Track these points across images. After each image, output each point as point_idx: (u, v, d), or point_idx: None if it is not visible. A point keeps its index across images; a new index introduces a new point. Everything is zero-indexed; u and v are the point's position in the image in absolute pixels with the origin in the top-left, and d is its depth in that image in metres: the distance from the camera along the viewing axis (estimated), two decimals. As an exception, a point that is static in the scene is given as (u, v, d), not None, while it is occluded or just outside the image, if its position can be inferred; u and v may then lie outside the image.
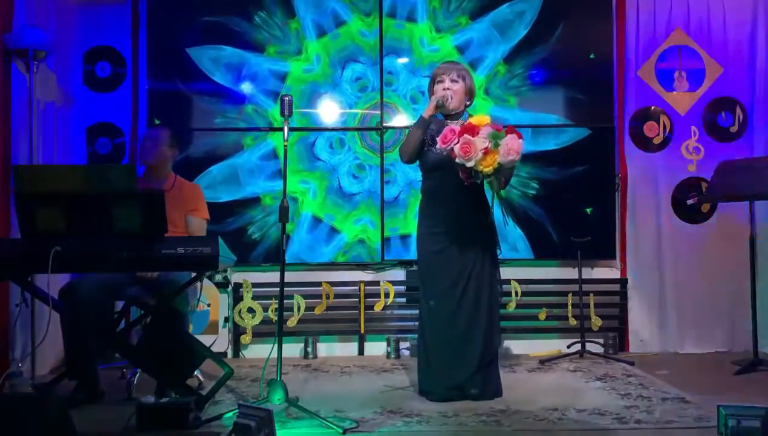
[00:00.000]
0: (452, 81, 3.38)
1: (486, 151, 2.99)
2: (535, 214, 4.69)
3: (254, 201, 4.68)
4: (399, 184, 4.71)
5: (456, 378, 3.31)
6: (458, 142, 3.02)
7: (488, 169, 3.01)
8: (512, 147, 3.00)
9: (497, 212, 3.28)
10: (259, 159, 4.70)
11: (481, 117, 3.15)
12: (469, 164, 3.01)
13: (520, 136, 3.05)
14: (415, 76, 4.72)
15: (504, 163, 3.02)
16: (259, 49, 4.70)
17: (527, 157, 4.58)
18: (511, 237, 4.61)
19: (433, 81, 3.46)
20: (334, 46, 4.73)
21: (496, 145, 2.99)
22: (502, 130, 3.04)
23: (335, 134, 4.74)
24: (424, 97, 4.43)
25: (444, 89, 3.35)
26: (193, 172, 4.56)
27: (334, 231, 4.70)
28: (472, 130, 3.03)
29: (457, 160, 3.04)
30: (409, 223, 4.60)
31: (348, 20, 4.74)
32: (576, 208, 4.69)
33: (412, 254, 4.24)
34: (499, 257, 3.47)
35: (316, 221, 4.70)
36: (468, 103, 3.46)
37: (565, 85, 4.75)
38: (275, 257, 4.61)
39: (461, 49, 4.75)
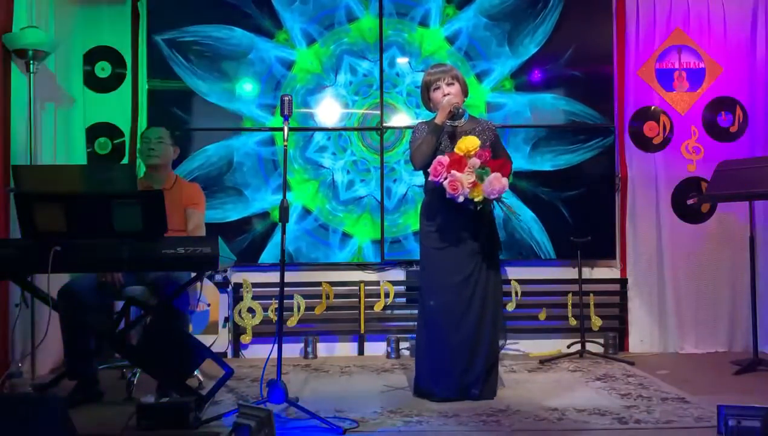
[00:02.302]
0: (448, 85, 3.40)
1: (473, 185, 3.15)
2: (539, 213, 4.72)
3: (263, 216, 4.68)
4: (406, 181, 4.72)
5: (462, 380, 3.31)
6: (446, 178, 3.17)
7: (478, 199, 3.18)
8: (495, 187, 3.15)
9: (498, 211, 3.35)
10: (256, 144, 4.70)
11: (469, 140, 3.21)
12: (459, 200, 3.17)
13: (506, 173, 3.19)
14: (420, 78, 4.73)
15: (488, 198, 3.18)
16: (268, 35, 4.70)
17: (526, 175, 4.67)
18: (525, 220, 4.68)
19: (427, 89, 3.48)
20: (325, 53, 4.72)
21: (482, 179, 3.15)
22: (487, 168, 3.16)
23: (338, 141, 4.73)
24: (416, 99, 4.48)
25: (444, 95, 3.37)
26: (190, 148, 4.63)
27: (347, 236, 4.70)
28: (460, 163, 3.16)
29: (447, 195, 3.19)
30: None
31: (361, 17, 4.74)
32: (576, 208, 4.69)
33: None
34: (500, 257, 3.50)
35: (306, 212, 4.69)
36: (464, 99, 3.48)
37: (564, 86, 4.75)
38: (257, 251, 4.63)
39: (451, 40, 4.75)
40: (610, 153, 4.74)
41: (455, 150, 3.21)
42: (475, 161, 3.16)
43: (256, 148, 4.70)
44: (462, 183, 3.13)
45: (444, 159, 3.20)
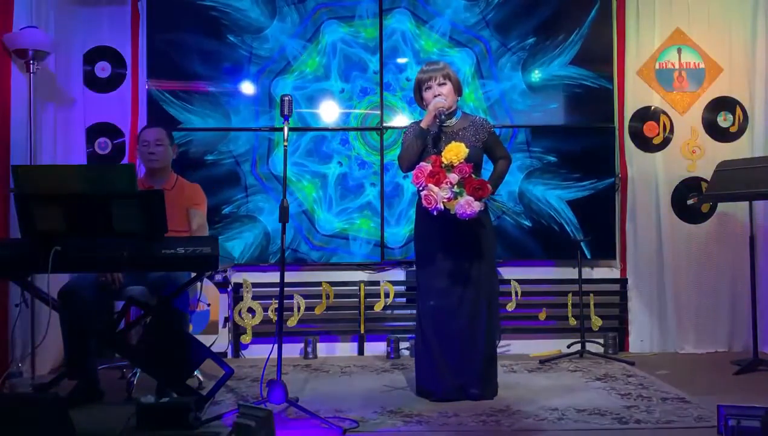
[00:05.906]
0: (440, 84, 3.36)
1: (449, 200, 3.14)
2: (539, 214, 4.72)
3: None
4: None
5: (460, 378, 3.31)
6: (424, 189, 3.16)
7: (453, 212, 3.15)
8: (465, 211, 3.13)
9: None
10: (255, 103, 4.70)
11: (455, 149, 3.17)
12: (434, 213, 3.15)
13: (484, 194, 3.14)
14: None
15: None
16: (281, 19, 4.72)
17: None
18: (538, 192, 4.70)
19: (420, 88, 3.43)
20: (312, 63, 4.70)
21: (457, 196, 3.14)
22: (463, 189, 3.14)
23: (349, 152, 4.71)
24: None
25: (435, 96, 3.34)
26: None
27: (365, 242, 4.69)
28: (439, 176, 3.14)
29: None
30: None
31: (364, 18, 4.74)
32: (576, 207, 4.69)
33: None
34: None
35: (313, 223, 4.69)
36: (458, 97, 3.46)
37: (564, 86, 4.74)
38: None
39: (432, 26, 4.75)
40: (606, 195, 4.70)
41: (442, 156, 3.19)
42: (454, 177, 3.14)
43: (255, 108, 4.68)
44: (436, 199, 3.13)
45: (425, 168, 3.18)
